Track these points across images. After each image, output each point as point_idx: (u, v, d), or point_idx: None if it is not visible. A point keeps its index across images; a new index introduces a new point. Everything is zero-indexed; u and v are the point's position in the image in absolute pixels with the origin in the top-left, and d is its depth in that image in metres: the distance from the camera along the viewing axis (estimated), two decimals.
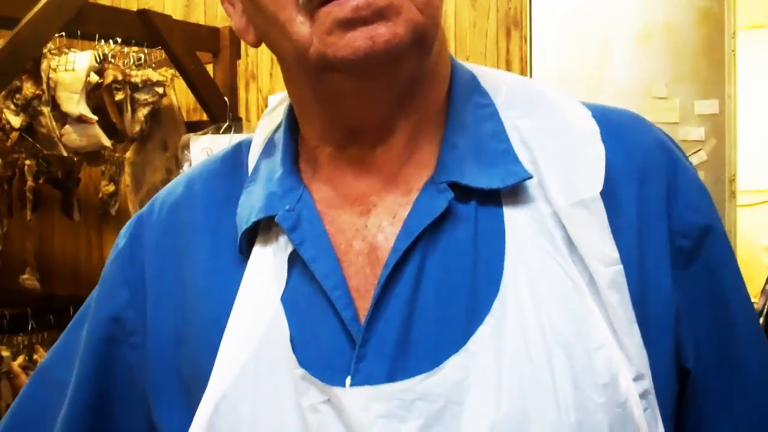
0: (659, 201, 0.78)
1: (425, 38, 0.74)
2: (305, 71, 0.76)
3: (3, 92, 3.35)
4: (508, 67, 4.27)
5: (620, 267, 0.74)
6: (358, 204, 0.79)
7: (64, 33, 3.33)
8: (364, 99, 0.76)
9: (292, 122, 0.85)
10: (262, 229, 0.80)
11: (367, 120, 0.78)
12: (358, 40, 0.70)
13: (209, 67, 3.94)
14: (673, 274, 0.77)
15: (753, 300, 3.26)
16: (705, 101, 3.71)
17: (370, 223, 0.78)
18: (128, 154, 3.80)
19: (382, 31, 0.70)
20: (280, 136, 0.85)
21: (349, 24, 0.70)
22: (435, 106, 0.81)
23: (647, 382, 0.73)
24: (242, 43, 4.29)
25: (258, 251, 0.79)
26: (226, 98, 3.82)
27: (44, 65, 3.36)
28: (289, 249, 0.78)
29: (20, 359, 3.68)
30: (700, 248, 0.79)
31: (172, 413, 0.83)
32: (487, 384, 0.70)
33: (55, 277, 4.92)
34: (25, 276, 4.14)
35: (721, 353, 0.80)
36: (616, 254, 0.74)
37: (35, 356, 3.72)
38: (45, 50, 3.35)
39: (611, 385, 0.70)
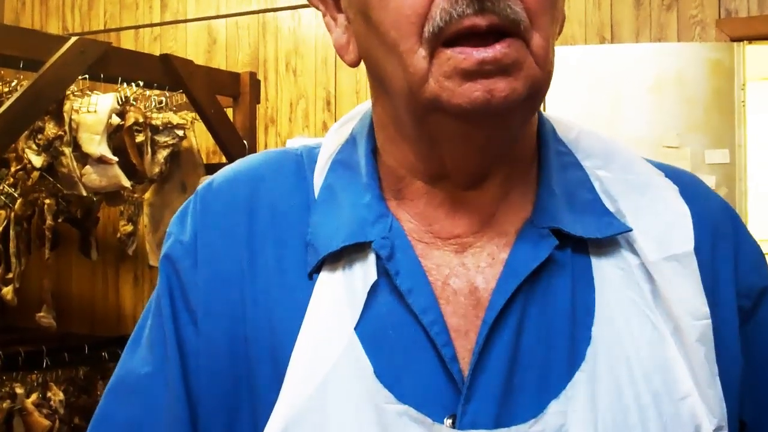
0: (728, 263, 0.80)
1: (539, 93, 0.73)
2: (413, 106, 0.73)
3: (26, 132, 3.41)
4: None
5: (709, 321, 0.75)
6: (452, 242, 0.78)
7: (87, 75, 3.39)
8: (467, 145, 0.75)
9: (373, 146, 0.83)
10: (333, 254, 0.77)
11: (465, 165, 0.77)
12: (477, 91, 0.68)
13: (229, 111, 3.99)
14: (738, 332, 0.79)
15: None
16: (716, 151, 3.74)
17: (468, 262, 0.77)
18: (147, 195, 3.85)
19: (501, 86, 0.68)
20: (354, 159, 0.83)
21: (470, 75, 0.68)
22: (528, 151, 0.81)
23: None
24: (262, 88, 4.36)
25: (326, 276, 0.77)
26: (245, 141, 3.88)
27: (67, 107, 3.42)
28: (370, 278, 0.75)
29: (33, 396, 3.69)
30: (757, 308, 0.81)
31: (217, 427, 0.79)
32: (585, 429, 0.71)
33: (71, 315, 4.94)
34: (41, 314, 4.14)
35: None
36: (706, 309, 0.75)
37: (49, 393, 3.72)
38: (68, 92, 3.42)
39: None
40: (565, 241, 0.76)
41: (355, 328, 0.74)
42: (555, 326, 0.74)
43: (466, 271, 0.76)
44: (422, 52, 0.70)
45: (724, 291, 0.79)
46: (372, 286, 0.75)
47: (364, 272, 0.76)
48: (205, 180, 0.88)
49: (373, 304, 0.75)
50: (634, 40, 4.10)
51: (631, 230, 0.77)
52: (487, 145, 0.75)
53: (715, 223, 0.82)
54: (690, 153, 3.74)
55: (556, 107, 3.89)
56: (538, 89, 0.72)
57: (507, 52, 0.68)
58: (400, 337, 0.74)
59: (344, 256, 0.77)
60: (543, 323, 0.74)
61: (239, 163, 0.89)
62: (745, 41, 3.83)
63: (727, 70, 3.76)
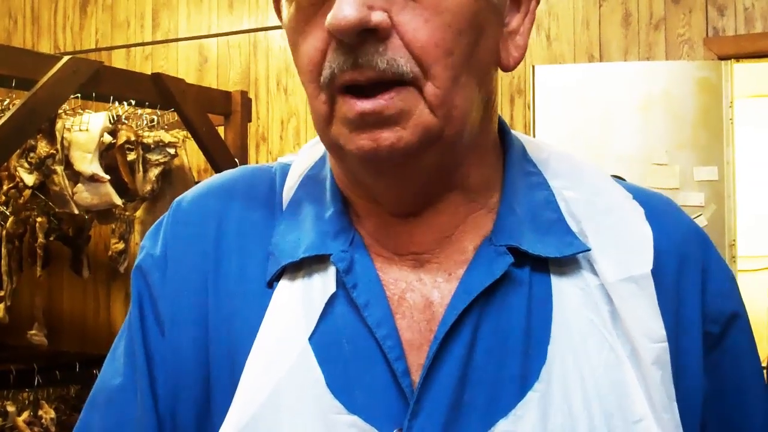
0: (695, 286, 0.80)
1: (441, 137, 0.72)
2: (326, 144, 0.76)
3: (18, 151, 3.42)
4: None
5: (666, 344, 0.75)
6: (410, 258, 0.78)
7: (79, 94, 3.40)
8: (384, 185, 0.76)
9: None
10: (294, 264, 0.78)
11: (391, 201, 0.77)
12: (363, 140, 0.70)
13: (220, 129, 4.00)
14: (703, 358, 0.79)
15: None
16: (704, 168, 3.77)
17: (425, 277, 0.77)
18: (138, 213, 3.86)
19: (385, 135, 0.69)
20: (322, 174, 0.84)
21: (356, 125, 0.70)
22: (486, 172, 0.80)
23: None
24: (253, 106, 4.38)
25: (285, 285, 0.78)
26: (236, 159, 3.89)
27: (59, 125, 3.43)
28: (329, 290, 0.76)
29: (25, 415, 3.68)
30: (725, 334, 0.81)
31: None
32: None
33: (63, 333, 4.93)
34: (33, 332, 4.14)
35: None
36: (663, 332, 0.75)
37: (40, 412, 3.71)
38: (60, 111, 3.43)
39: None
40: (525, 260, 0.76)
41: (309, 339, 0.75)
42: (508, 344, 0.74)
43: (423, 286, 0.77)
44: (323, 97, 0.72)
45: (689, 315, 0.79)
46: (330, 298, 0.76)
47: (323, 284, 0.77)
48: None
49: (330, 316, 0.76)
50: (623, 59, 4.14)
51: (589, 249, 0.77)
52: (404, 187, 0.76)
53: (683, 246, 0.82)
54: (679, 170, 3.77)
55: (544, 125, 3.92)
56: (437, 134, 0.71)
57: (387, 105, 0.69)
58: (355, 349, 0.74)
59: (304, 267, 0.78)
60: (496, 340, 0.74)
61: (213, 179, 0.90)
62: (732, 59, 3.86)
63: (714, 88, 3.80)
